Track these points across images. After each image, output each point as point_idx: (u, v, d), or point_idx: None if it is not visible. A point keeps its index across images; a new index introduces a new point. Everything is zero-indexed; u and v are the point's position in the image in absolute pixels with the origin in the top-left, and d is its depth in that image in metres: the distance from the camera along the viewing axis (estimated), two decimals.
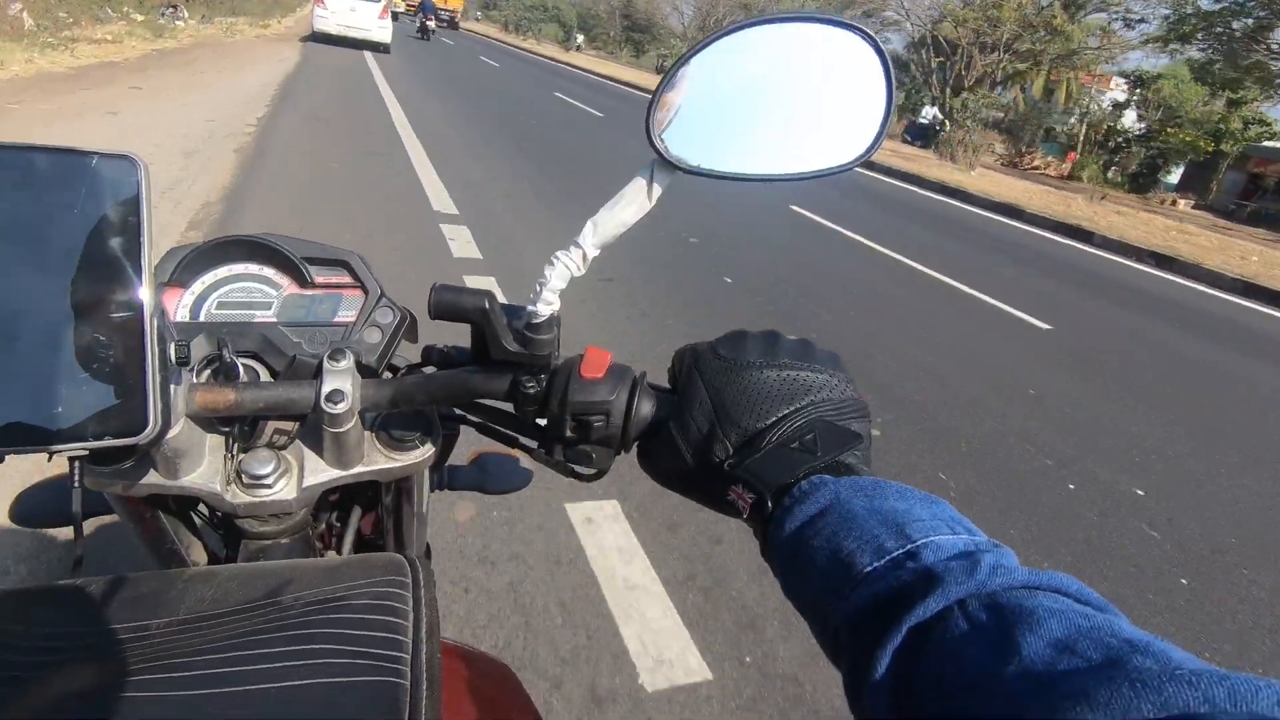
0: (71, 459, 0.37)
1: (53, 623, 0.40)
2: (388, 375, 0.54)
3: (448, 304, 0.43)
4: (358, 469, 0.51)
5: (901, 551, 0.32)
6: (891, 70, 0.42)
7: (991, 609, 0.28)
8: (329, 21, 15.30)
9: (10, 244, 0.33)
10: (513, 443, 0.51)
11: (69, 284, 0.34)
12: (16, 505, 0.58)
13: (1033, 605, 0.27)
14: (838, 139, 0.43)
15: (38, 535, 1.57)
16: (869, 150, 0.43)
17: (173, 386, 0.39)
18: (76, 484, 0.37)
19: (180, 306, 0.51)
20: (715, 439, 0.41)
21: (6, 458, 0.36)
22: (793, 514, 0.36)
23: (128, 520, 0.53)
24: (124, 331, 0.35)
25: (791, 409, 0.41)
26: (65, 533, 0.59)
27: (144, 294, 0.35)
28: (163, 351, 0.36)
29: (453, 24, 38.46)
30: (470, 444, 0.64)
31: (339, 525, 0.63)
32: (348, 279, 0.55)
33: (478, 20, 55.99)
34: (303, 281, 0.54)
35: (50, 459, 0.36)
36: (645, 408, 0.45)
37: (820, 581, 0.34)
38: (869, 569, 0.32)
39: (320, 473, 0.50)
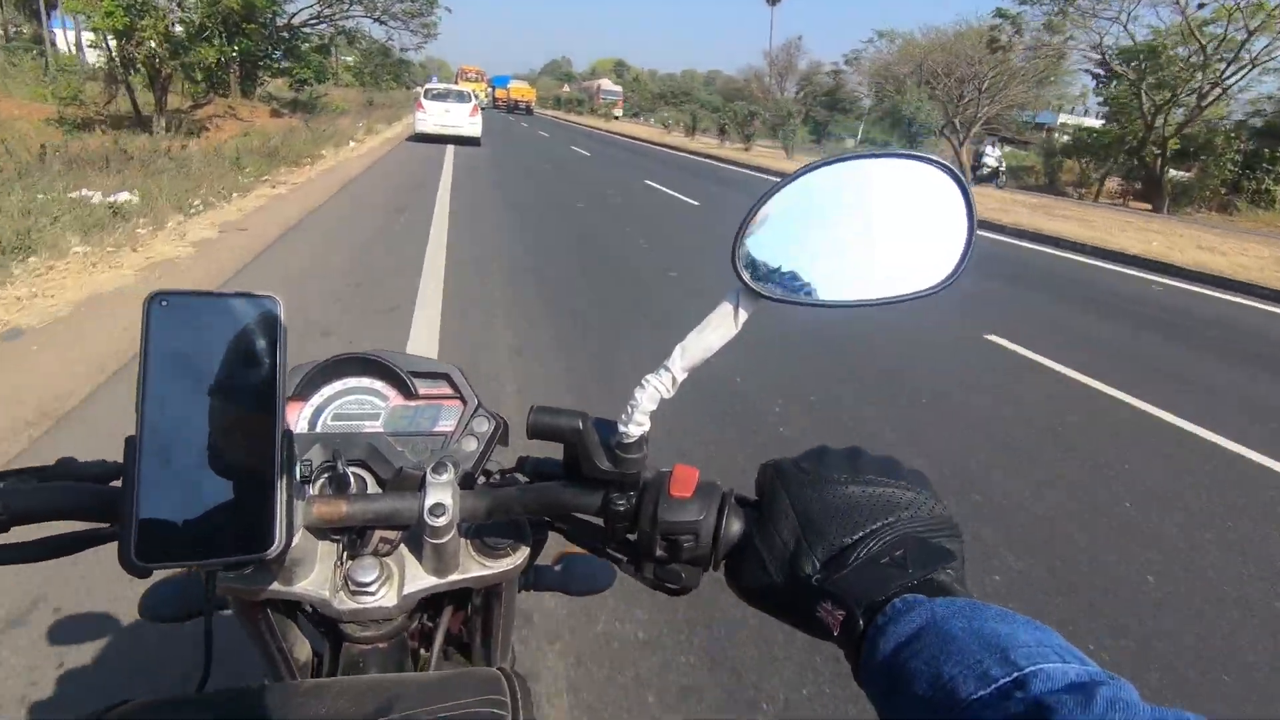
0: (207, 572, 0.41)
1: None
2: (481, 479, 0.57)
3: (545, 425, 0.46)
4: (454, 576, 0.53)
5: (1008, 680, 0.30)
6: (972, 199, 0.43)
7: None
8: (428, 123, 17.93)
9: (169, 377, 0.38)
10: (600, 554, 0.52)
11: (215, 409, 0.38)
12: (145, 600, 0.63)
13: None
14: (921, 265, 0.44)
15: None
16: (954, 274, 0.44)
17: (296, 501, 0.43)
18: (211, 595, 0.40)
19: (300, 418, 0.56)
20: (802, 554, 0.41)
21: (155, 572, 0.39)
22: (886, 634, 0.35)
23: (241, 619, 0.57)
24: (259, 454, 0.38)
25: (880, 524, 0.40)
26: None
27: (278, 420, 0.39)
28: (290, 471, 0.40)
29: (529, 111, 54.68)
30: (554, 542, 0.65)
31: (429, 626, 0.65)
32: (448, 390, 0.59)
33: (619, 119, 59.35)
34: (408, 393, 0.58)
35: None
36: (734, 526, 0.46)
37: (922, 709, 0.32)
38: (974, 697, 0.30)
39: (419, 580, 0.52)
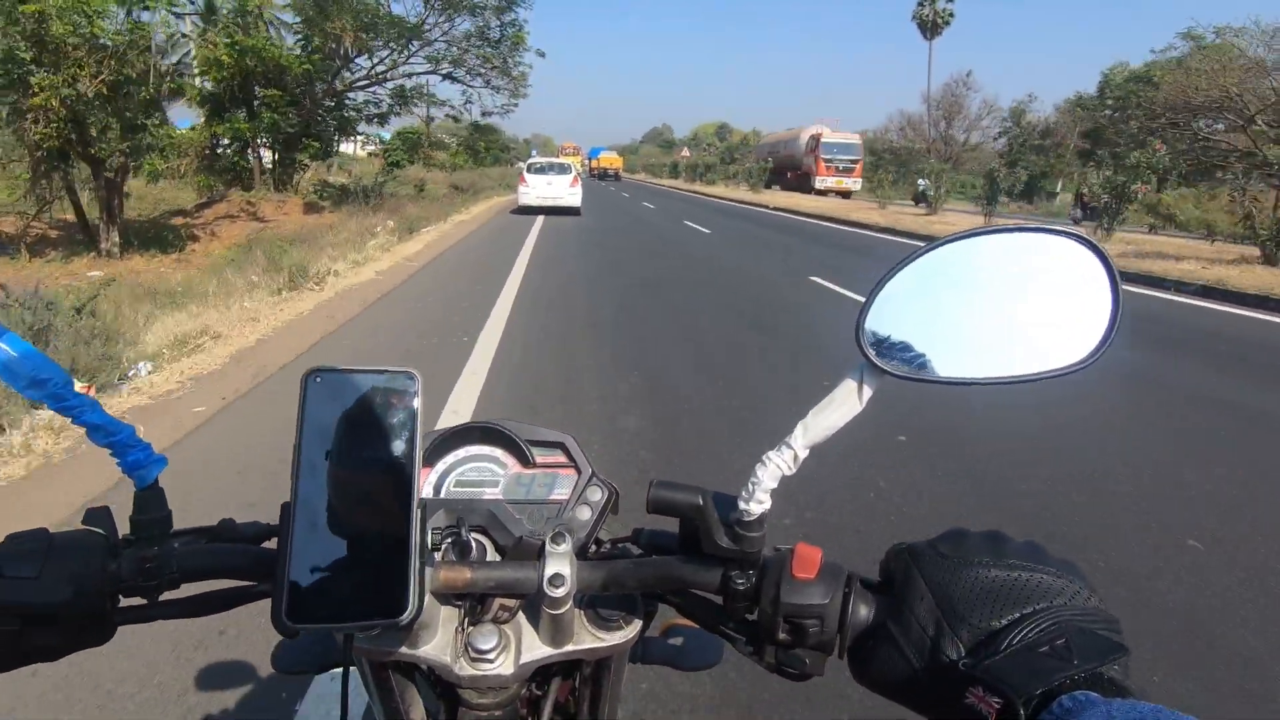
0: (346, 634, 0.43)
1: None
2: (594, 549, 0.57)
3: (664, 500, 0.46)
4: (569, 647, 0.53)
5: None
6: (1117, 274, 0.41)
7: None
8: (530, 195, 18.63)
9: (320, 447, 0.41)
10: (723, 634, 0.51)
11: (359, 478, 0.41)
12: (279, 652, 0.66)
13: None
14: (1058, 342, 0.42)
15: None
16: (1097, 352, 0.42)
17: (426, 568, 0.45)
18: (348, 656, 0.42)
19: (426, 484, 0.59)
20: (944, 637, 0.38)
21: (302, 632, 0.42)
22: None
23: (367, 678, 0.59)
24: (395, 521, 0.40)
25: (1031, 609, 0.37)
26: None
27: (413, 490, 0.41)
28: (422, 540, 0.42)
29: (617, 177, 59.74)
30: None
31: (538, 693, 0.65)
32: (563, 459, 0.60)
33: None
34: (525, 461, 0.60)
35: None
36: (862, 611, 0.44)
37: None
38: None
39: (535, 649, 0.53)
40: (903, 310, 0.44)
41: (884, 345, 0.43)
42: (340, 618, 0.40)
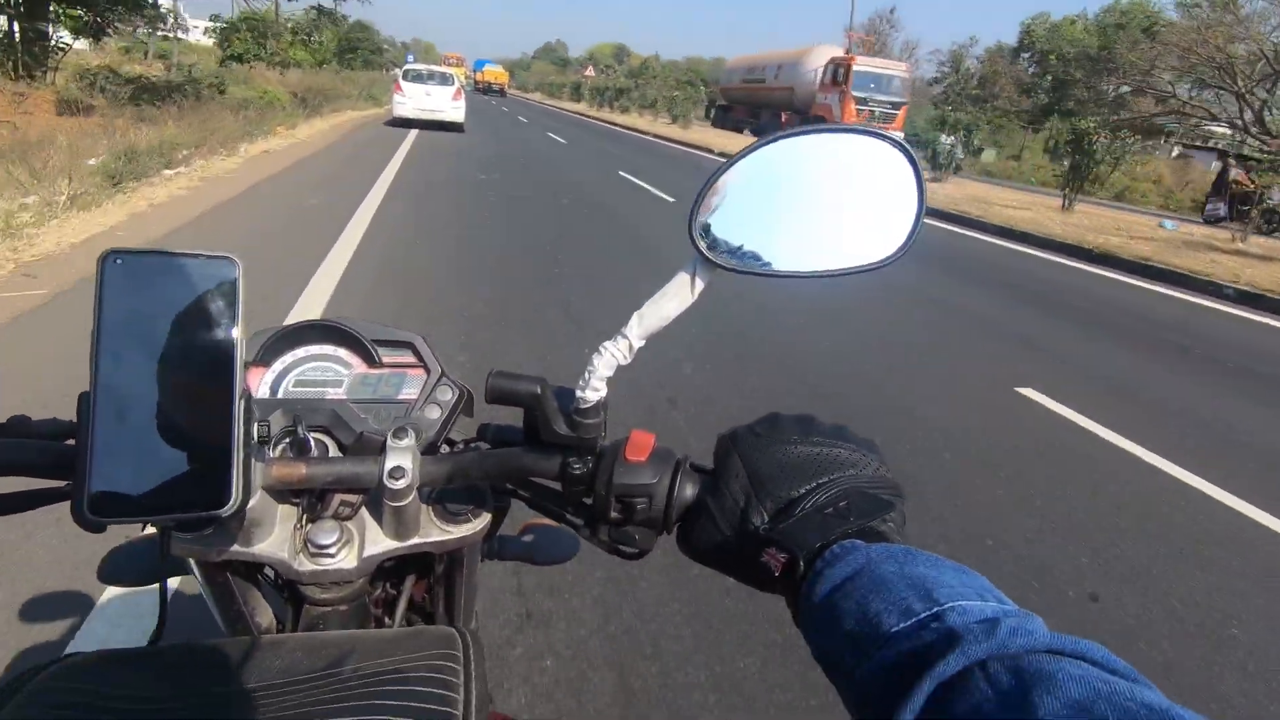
0: (162, 529, 0.41)
1: (137, 686, 0.43)
2: (446, 449, 0.57)
3: (503, 390, 0.46)
4: (415, 540, 0.54)
5: (927, 614, 0.33)
6: (922, 176, 0.44)
7: (1013, 671, 0.28)
8: (406, 106, 16.31)
9: (125, 335, 0.38)
10: (559, 519, 0.54)
11: (172, 368, 0.39)
12: (105, 565, 0.63)
13: (1053, 669, 0.28)
14: (873, 239, 0.46)
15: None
16: (903, 248, 0.45)
17: (254, 462, 0.43)
18: (166, 552, 0.41)
19: (262, 384, 0.56)
20: (751, 508, 0.43)
21: (108, 526, 0.40)
22: (824, 577, 0.37)
23: (202, 582, 0.57)
24: (215, 413, 0.39)
25: (826, 479, 0.42)
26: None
27: (235, 379, 0.39)
28: (247, 431, 0.40)
29: (502, 93, 58.84)
30: (517, 514, 0.65)
31: (393, 592, 0.66)
32: (412, 359, 0.59)
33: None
34: (371, 361, 0.58)
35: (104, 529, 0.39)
36: (688, 489, 0.47)
37: (847, 642, 0.34)
38: (894, 629, 0.33)
39: (379, 543, 0.53)
40: (733, 207, 0.45)
41: (715, 240, 0.45)
42: (153, 510, 0.38)
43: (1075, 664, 0.28)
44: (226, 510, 0.39)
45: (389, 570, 0.66)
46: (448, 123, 16.65)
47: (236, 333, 0.39)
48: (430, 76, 17.02)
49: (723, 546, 0.44)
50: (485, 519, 0.56)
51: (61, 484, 0.47)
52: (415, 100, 16.43)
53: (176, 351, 0.39)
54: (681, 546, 0.48)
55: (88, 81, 12.79)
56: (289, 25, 26.51)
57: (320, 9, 28.33)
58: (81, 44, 16.77)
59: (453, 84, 16.80)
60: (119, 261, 0.38)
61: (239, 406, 0.39)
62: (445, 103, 16.57)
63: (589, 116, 36.88)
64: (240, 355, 0.39)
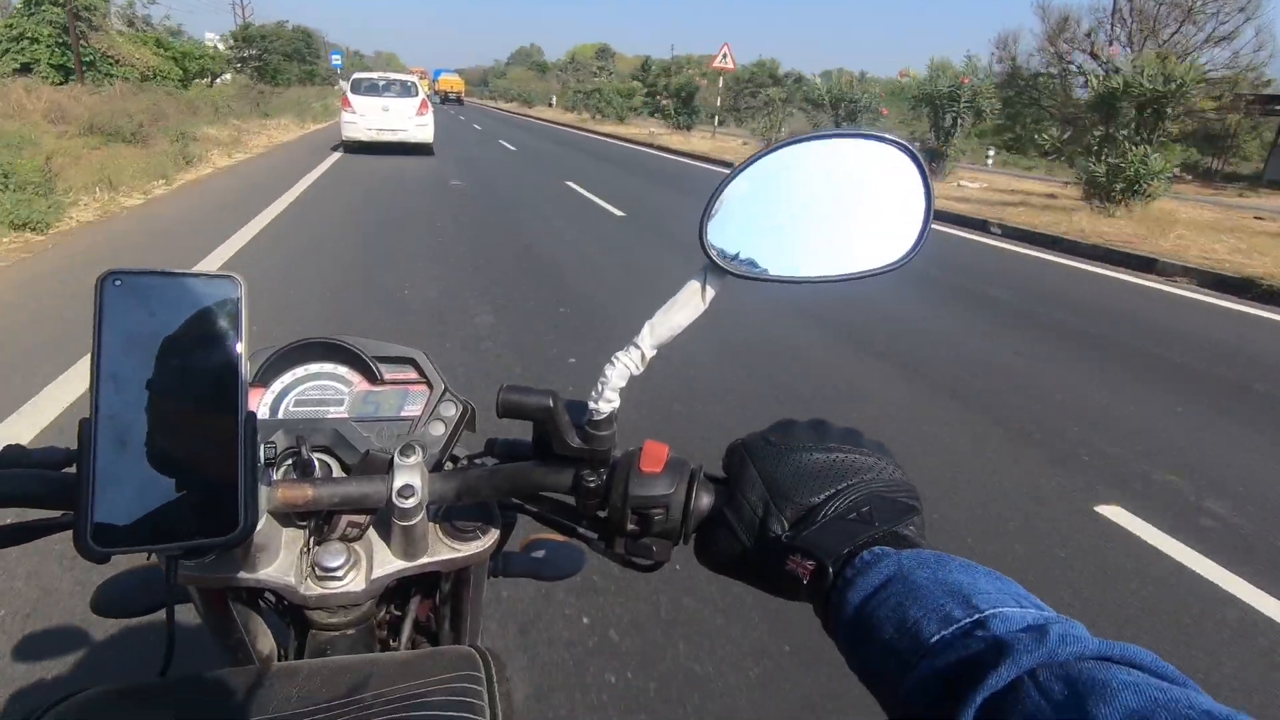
0: (168, 557, 0.40)
1: None
2: (449, 466, 0.56)
3: (514, 404, 0.46)
4: (423, 560, 0.53)
5: (969, 621, 0.32)
6: (930, 179, 0.44)
7: (1064, 680, 0.28)
8: (358, 127, 12.80)
9: (126, 358, 0.37)
10: (571, 533, 0.53)
11: (174, 392, 0.37)
12: (99, 596, 0.61)
13: (1106, 677, 0.27)
14: (883, 242, 0.46)
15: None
16: (913, 250, 0.46)
17: (260, 486, 0.42)
18: (173, 582, 0.39)
19: (261, 404, 0.55)
20: (771, 516, 0.42)
21: (112, 556, 0.38)
22: (855, 585, 0.36)
23: (203, 610, 0.55)
24: (220, 437, 0.38)
25: (844, 485, 0.42)
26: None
27: (240, 402, 0.38)
28: (253, 454, 0.39)
29: (459, 101, 58.33)
30: (521, 529, 0.64)
31: (397, 614, 0.64)
32: (414, 375, 0.58)
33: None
34: (372, 378, 0.57)
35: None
36: (704, 500, 0.47)
37: (887, 653, 0.34)
38: (936, 638, 0.32)
39: (388, 564, 0.52)
40: (743, 213, 0.45)
41: (726, 247, 0.45)
42: (159, 539, 0.37)
43: (1127, 671, 0.28)
44: (235, 537, 0.38)
45: (394, 591, 0.65)
46: (411, 144, 13.20)
47: (240, 353, 0.38)
48: (387, 87, 13.42)
49: (743, 557, 0.44)
50: (494, 536, 0.56)
51: (60, 514, 0.45)
52: (369, 118, 12.85)
53: (178, 374, 0.37)
54: (700, 557, 0.47)
55: None
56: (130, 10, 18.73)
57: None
58: None
59: (416, 95, 13.31)
60: (118, 283, 0.37)
61: (244, 429, 0.38)
62: (408, 119, 13.05)
63: (595, 132, 27.58)
64: (244, 376, 0.38)
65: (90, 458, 0.36)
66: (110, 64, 16.74)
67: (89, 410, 0.36)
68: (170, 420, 0.37)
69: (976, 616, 0.32)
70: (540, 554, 0.73)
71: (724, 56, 22.27)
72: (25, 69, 15.36)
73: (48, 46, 15.55)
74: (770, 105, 20.67)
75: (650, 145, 20.64)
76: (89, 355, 0.37)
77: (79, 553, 0.36)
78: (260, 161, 11.68)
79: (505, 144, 18.70)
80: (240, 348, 0.38)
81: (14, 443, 0.48)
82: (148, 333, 0.37)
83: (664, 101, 27.71)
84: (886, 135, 0.44)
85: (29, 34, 15.69)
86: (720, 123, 26.88)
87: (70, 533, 0.37)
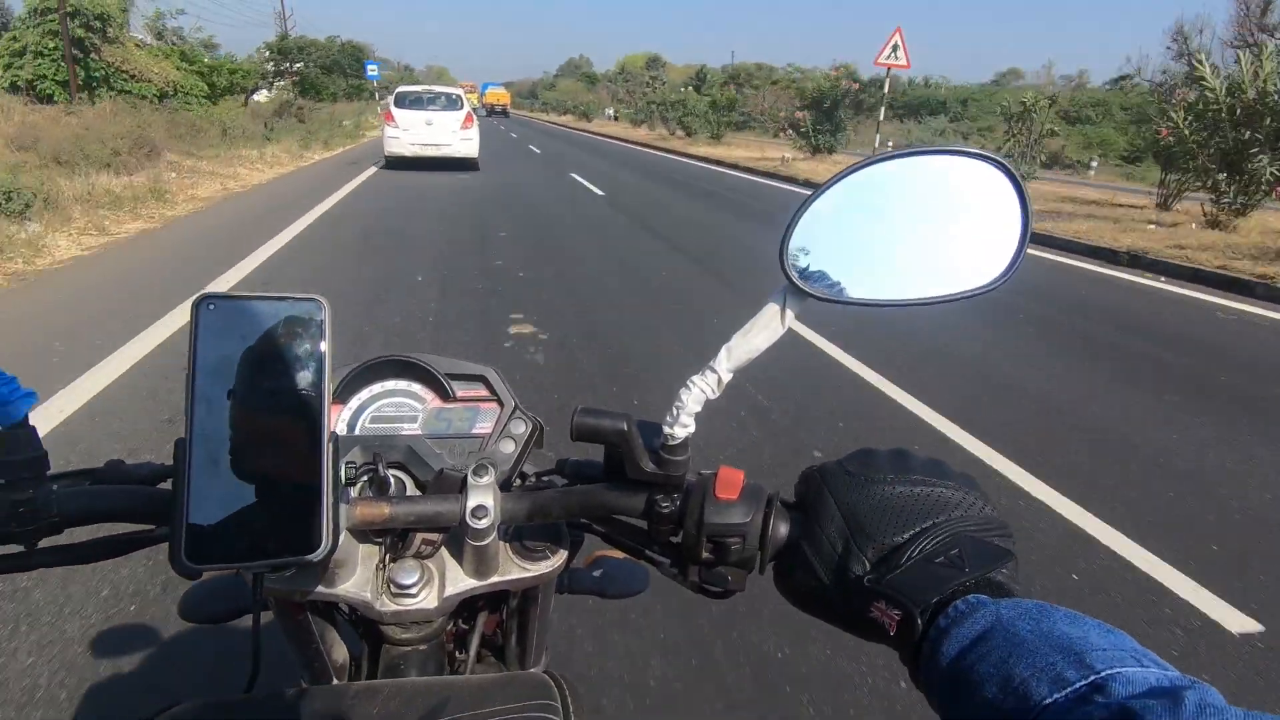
0: (255, 574, 0.40)
1: None
2: (518, 483, 0.56)
3: (588, 427, 0.45)
4: (494, 579, 0.53)
5: (1085, 684, 0.29)
6: (1027, 195, 0.42)
7: None
8: (401, 141, 12.56)
9: (218, 379, 0.38)
10: (640, 555, 0.52)
11: (262, 412, 0.38)
12: (186, 601, 0.63)
13: None
14: (974, 264, 0.44)
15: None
16: (1007, 272, 0.43)
17: (341, 505, 0.42)
18: (259, 596, 0.40)
19: (339, 420, 0.56)
20: (851, 555, 0.40)
21: (205, 573, 0.39)
22: (950, 636, 0.34)
23: (282, 622, 0.56)
24: (305, 456, 0.38)
25: (930, 523, 0.39)
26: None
27: (324, 422, 0.38)
28: (336, 474, 0.39)
29: (505, 113, 60.73)
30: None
31: (465, 628, 0.65)
32: (485, 392, 0.58)
33: None
34: (445, 396, 0.58)
35: None
36: (781, 529, 0.45)
37: (990, 713, 0.31)
38: (1048, 701, 0.29)
39: (459, 582, 0.52)
40: (826, 232, 0.44)
41: (807, 268, 0.44)
42: (248, 557, 0.38)
43: None
44: (317, 555, 0.38)
45: (462, 606, 0.65)
46: (456, 159, 12.81)
47: (325, 373, 0.39)
48: (431, 100, 13.08)
49: (824, 594, 0.41)
50: (562, 555, 0.55)
51: (150, 528, 0.47)
52: (412, 132, 12.56)
53: (267, 394, 0.38)
54: (780, 589, 0.46)
55: None
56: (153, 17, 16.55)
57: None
58: None
59: (461, 108, 13.00)
60: (212, 307, 0.38)
61: (327, 449, 0.38)
62: (452, 133, 12.70)
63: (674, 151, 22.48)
64: (328, 397, 0.39)
65: (186, 477, 0.37)
66: (125, 79, 15.08)
67: (184, 430, 0.37)
68: (258, 439, 0.38)
69: (1093, 679, 0.29)
70: (605, 572, 0.72)
71: (894, 49, 13.93)
72: (30, 85, 13.78)
73: (53, 60, 13.93)
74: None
75: (793, 179, 14.10)
76: (184, 376, 0.37)
77: (174, 568, 0.37)
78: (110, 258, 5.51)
79: (579, 179, 13.07)
80: (325, 368, 0.39)
81: (116, 458, 0.50)
82: (238, 354, 0.38)
83: (798, 114, 20.28)
84: (982, 152, 0.42)
85: (33, 47, 14.13)
86: (883, 141, 18.01)
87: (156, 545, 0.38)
